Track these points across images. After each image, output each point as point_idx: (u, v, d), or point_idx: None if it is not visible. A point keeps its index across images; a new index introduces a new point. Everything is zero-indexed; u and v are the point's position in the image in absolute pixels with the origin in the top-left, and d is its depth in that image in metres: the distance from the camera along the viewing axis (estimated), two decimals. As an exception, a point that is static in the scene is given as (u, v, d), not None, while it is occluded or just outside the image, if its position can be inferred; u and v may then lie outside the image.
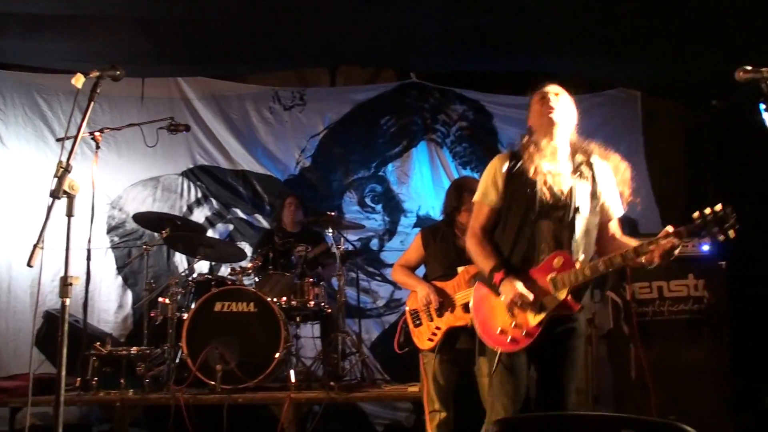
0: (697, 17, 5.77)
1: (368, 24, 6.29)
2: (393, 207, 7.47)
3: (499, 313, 3.36)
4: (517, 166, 3.43)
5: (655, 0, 5.65)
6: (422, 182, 7.53)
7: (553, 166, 3.42)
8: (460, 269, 4.59)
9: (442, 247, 4.72)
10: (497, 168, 3.48)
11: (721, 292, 5.24)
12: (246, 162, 7.43)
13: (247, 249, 6.86)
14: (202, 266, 6.79)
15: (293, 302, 5.83)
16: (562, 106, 3.50)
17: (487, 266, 3.39)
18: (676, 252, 3.08)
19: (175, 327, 5.60)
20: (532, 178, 3.35)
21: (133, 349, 5.61)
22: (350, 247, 6.44)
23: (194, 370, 5.29)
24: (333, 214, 6.16)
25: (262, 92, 7.56)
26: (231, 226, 7.33)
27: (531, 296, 3.24)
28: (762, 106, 5.11)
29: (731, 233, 2.95)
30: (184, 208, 7.32)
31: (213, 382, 5.25)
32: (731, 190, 5.79)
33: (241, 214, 7.35)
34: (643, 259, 3.15)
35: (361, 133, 7.55)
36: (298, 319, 5.97)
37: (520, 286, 3.25)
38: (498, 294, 3.35)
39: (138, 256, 6.67)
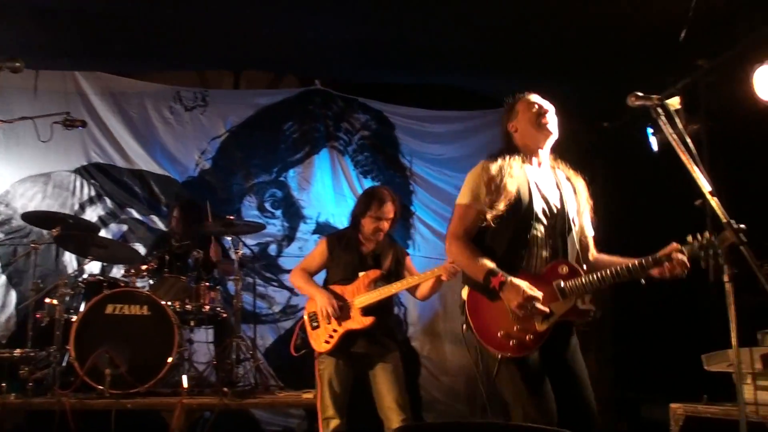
0: (591, 41, 6.04)
1: (274, 30, 6.28)
2: (293, 213, 7.45)
3: (501, 316, 3.20)
4: (508, 173, 3.33)
5: (551, 22, 5.90)
6: (323, 189, 7.54)
7: (543, 178, 3.45)
8: (360, 274, 4.68)
9: (347, 253, 4.78)
10: (486, 173, 3.35)
11: (606, 307, 5.45)
12: (143, 161, 7.22)
13: (142, 250, 6.68)
14: (93, 267, 6.58)
15: (188, 306, 5.74)
16: (555, 121, 3.50)
17: (480, 270, 3.21)
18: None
19: (62, 329, 5.40)
20: (527, 188, 3.32)
21: (16, 351, 5.39)
22: (248, 252, 6.37)
23: (81, 374, 5.12)
24: (232, 218, 6.09)
25: (162, 91, 7.38)
26: (125, 227, 7.10)
27: (541, 295, 3.12)
28: (650, 130, 5.40)
29: (720, 261, 2.94)
30: (76, 206, 7.05)
31: (101, 387, 5.08)
32: (619, 209, 6.06)
33: (136, 215, 7.13)
34: (654, 272, 3.14)
35: (263, 138, 7.49)
36: (192, 323, 5.87)
37: (527, 287, 3.11)
38: (494, 299, 3.20)
39: (24, 255, 6.42)
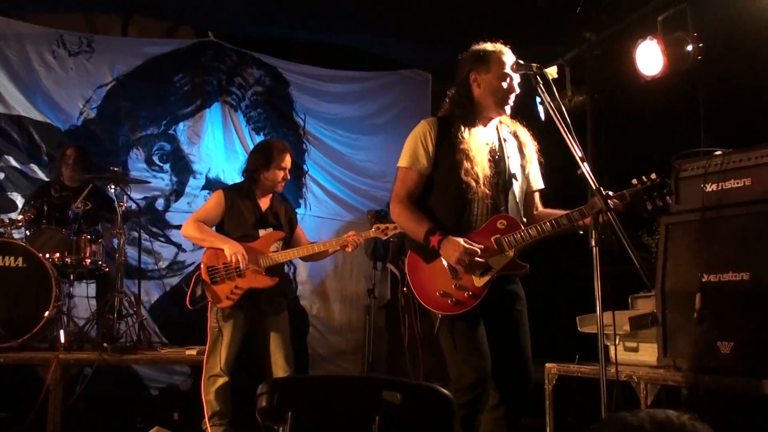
0: (489, 7, 6.13)
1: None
2: (182, 167, 7.26)
3: (439, 275, 3.24)
4: (449, 133, 3.32)
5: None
6: (214, 144, 7.38)
7: (486, 135, 3.38)
8: (262, 232, 4.69)
9: (246, 207, 4.75)
10: (426, 134, 3.35)
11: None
12: (23, 107, 6.79)
13: (19, 201, 6.35)
14: (-35, 216, 6.24)
15: (67, 259, 5.54)
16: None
17: (420, 230, 3.24)
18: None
19: (-72, 281, 5.14)
20: (468, 146, 3.26)
21: None
22: (134, 206, 6.19)
23: (-51, 327, 4.90)
24: (117, 169, 5.89)
25: (45, 34, 6.94)
26: (2, 175, 6.68)
27: (479, 249, 3.14)
28: (538, 99, 5.52)
29: (668, 199, 3.06)
30: (-54, 153, 6.66)
31: (-28, 341, 4.89)
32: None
33: (14, 163, 6.73)
34: (586, 222, 3.09)
35: (153, 89, 7.21)
36: (72, 277, 5.68)
37: (464, 242, 3.13)
38: (431, 260, 3.26)
39: None
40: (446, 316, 3.20)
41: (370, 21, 6.94)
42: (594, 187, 2.71)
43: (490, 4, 6.07)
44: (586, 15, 5.67)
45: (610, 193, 2.88)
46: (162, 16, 7.49)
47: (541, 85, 2.91)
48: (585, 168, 2.71)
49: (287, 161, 4.80)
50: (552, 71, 2.97)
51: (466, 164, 3.24)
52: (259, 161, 4.80)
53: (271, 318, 4.67)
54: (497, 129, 3.46)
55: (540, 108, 5.66)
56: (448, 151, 3.28)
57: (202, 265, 4.69)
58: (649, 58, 5.25)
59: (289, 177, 4.85)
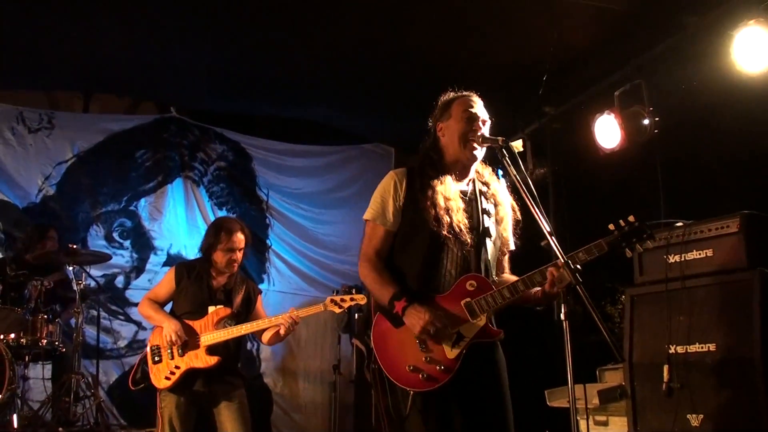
0: (452, 82, 6.22)
1: (124, 53, 6.11)
2: (143, 244, 7.17)
3: (409, 347, 2.91)
4: (419, 184, 3.09)
5: (411, 63, 6.04)
6: (176, 220, 7.33)
7: (460, 187, 3.16)
8: (211, 309, 4.52)
9: (196, 285, 4.61)
10: (395, 186, 3.12)
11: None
12: (-22, 185, 6.74)
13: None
14: None
15: (23, 340, 5.39)
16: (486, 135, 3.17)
17: (385, 295, 2.96)
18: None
19: None
20: (439, 200, 3.03)
21: None
22: (93, 284, 6.05)
23: None
24: (75, 247, 5.77)
25: (4, 111, 6.91)
26: (-45, 253, 6.57)
27: (441, 323, 2.87)
28: (500, 172, 5.59)
29: (648, 244, 2.93)
30: None
31: None
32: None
33: (-31, 241, 6.62)
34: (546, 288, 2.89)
35: (114, 165, 7.19)
36: (27, 358, 5.51)
37: (430, 312, 2.87)
38: (398, 326, 2.94)
39: None
40: (417, 393, 2.87)
41: (332, 96, 7.02)
42: (563, 260, 2.68)
43: (451, 77, 6.16)
44: (546, 89, 5.78)
45: (579, 266, 2.77)
46: (124, 92, 7.50)
47: (507, 159, 2.91)
48: (553, 241, 2.70)
49: (236, 242, 4.60)
50: (518, 144, 2.98)
51: (438, 218, 3.01)
52: (209, 240, 4.66)
53: (223, 401, 4.47)
54: (473, 182, 3.23)
55: (502, 181, 5.72)
56: (418, 204, 3.05)
57: (147, 344, 4.57)
58: (608, 131, 5.36)
59: (239, 259, 4.62)
